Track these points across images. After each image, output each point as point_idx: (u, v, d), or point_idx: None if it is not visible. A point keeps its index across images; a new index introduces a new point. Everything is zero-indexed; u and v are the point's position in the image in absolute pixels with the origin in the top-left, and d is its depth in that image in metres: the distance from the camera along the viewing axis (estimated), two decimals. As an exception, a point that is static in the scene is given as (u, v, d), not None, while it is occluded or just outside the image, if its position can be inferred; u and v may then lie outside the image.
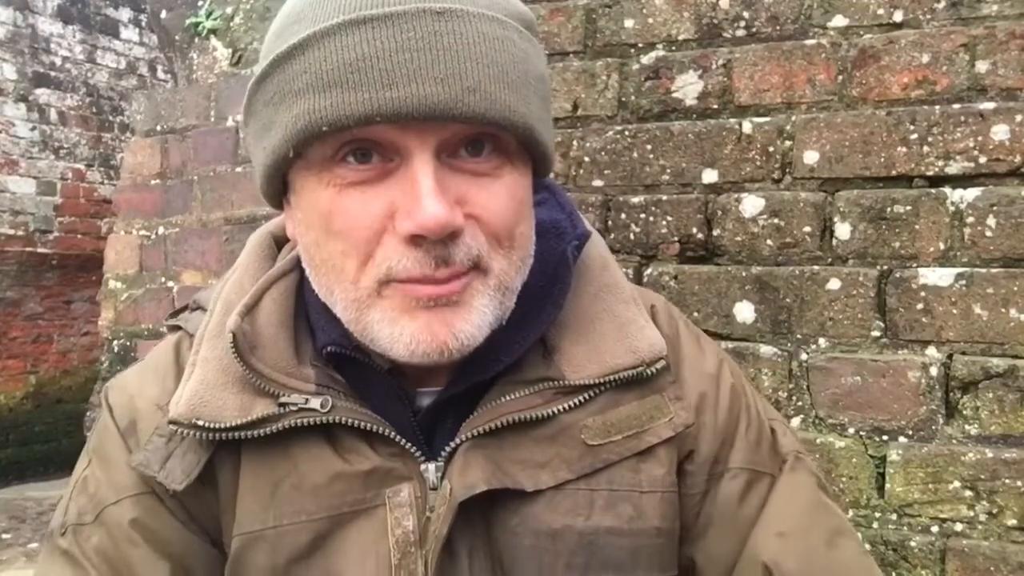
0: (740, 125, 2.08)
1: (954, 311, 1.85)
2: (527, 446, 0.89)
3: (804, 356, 1.97)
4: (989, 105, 1.87)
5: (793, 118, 2.03)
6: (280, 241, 1.03)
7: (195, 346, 0.92)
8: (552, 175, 1.18)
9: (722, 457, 0.96)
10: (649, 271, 2.14)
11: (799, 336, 1.98)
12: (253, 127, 0.86)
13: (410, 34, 0.75)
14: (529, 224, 0.88)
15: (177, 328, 1.00)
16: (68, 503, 0.92)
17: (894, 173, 1.94)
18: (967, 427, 1.83)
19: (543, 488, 0.87)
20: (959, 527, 1.81)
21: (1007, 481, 1.77)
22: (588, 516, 0.87)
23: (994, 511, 1.78)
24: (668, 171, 2.14)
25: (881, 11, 2.00)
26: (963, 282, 1.85)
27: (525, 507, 0.87)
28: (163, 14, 3.34)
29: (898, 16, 1.98)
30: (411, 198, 0.77)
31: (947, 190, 1.89)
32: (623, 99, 2.22)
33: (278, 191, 0.89)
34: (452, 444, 0.88)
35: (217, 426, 0.85)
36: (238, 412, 0.86)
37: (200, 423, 0.85)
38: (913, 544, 1.84)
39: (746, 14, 2.12)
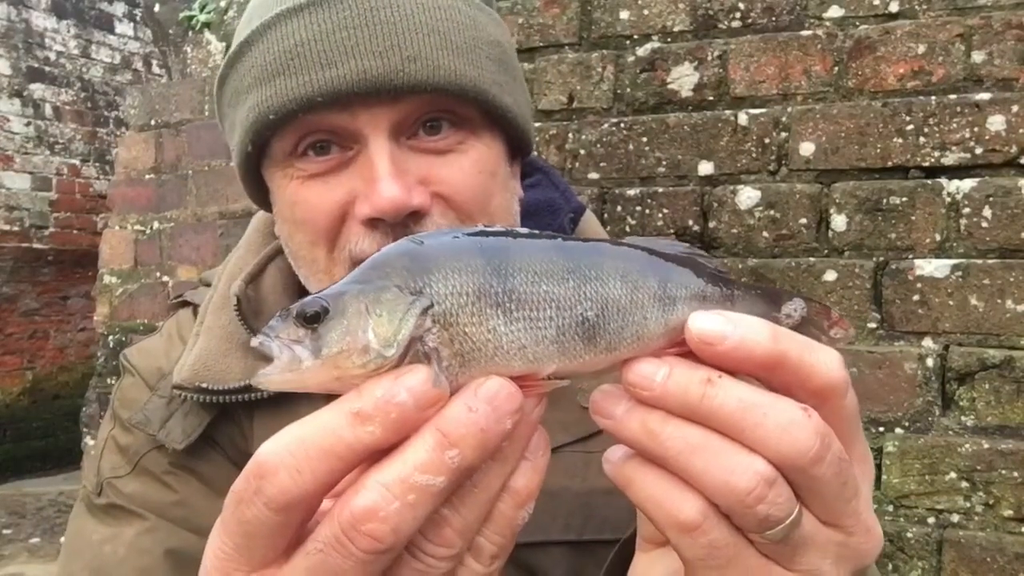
0: (736, 117, 2.07)
1: (950, 302, 1.85)
2: None
3: (800, 348, 1.97)
4: (985, 95, 1.86)
5: (789, 109, 2.03)
6: None
7: (199, 317, 0.94)
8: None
9: None
10: (645, 264, 2.13)
11: (795, 328, 1.98)
12: (226, 129, 0.89)
13: (346, 13, 0.76)
14: (507, 196, 0.87)
15: (184, 304, 1.03)
16: (99, 463, 0.93)
17: (890, 164, 1.93)
18: (963, 418, 1.83)
19: None
20: (955, 518, 1.82)
21: (1003, 472, 1.78)
22: (584, 478, 0.87)
23: (990, 502, 1.79)
24: (664, 163, 2.13)
25: (877, 1, 1.99)
26: (959, 273, 1.85)
27: None
28: (157, 8, 3.32)
29: (894, 6, 1.97)
30: (368, 182, 0.77)
31: (943, 181, 1.89)
32: (618, 91, 2.22)
33: (259, 191, 0.90)
34: None
35: (221, 388, 0.87)
36: (242, 375, 0.87)
37: (204, 386, 0.86)
38: (910, 535, 1.84)
39: (742, 5, 2.11)
